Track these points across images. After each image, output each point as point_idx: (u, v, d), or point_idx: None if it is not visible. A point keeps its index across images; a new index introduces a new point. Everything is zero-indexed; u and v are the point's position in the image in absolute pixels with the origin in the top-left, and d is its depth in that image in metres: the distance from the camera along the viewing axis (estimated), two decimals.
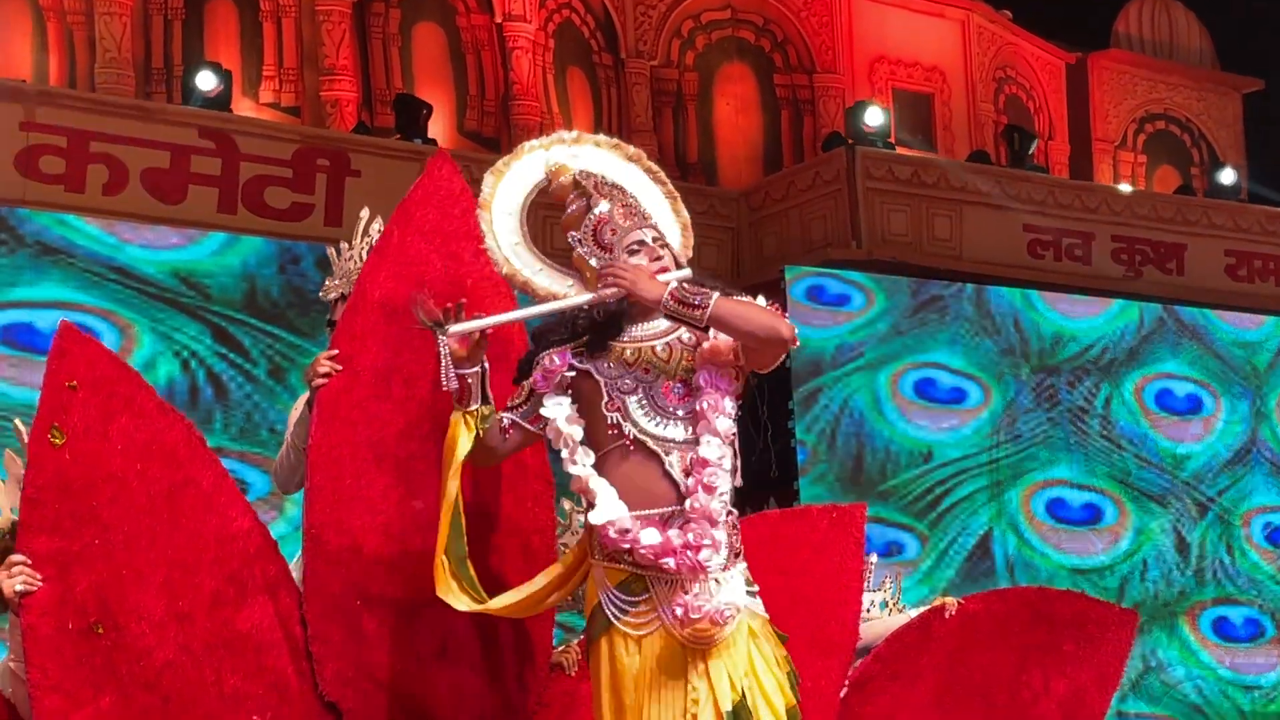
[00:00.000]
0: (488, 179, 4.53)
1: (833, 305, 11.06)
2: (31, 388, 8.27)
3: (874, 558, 6.60)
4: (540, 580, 4.44)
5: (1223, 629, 12.02)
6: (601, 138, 4.62)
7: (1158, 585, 11.77)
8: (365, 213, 5.18)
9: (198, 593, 4.44)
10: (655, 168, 4.64)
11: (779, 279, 10.90)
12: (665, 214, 4.57)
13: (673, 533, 4.16)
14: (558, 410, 4.33)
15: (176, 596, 4.40)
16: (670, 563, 4.15)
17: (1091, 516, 11.66)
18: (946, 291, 11.49)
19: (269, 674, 4.54)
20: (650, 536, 4.18)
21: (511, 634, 4.89)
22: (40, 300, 8.93)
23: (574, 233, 4.40)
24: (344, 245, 5.19)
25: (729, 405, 4.28)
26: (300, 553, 4.75)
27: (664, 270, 4.30)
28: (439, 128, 11.74)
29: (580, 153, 4.57)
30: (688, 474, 4.23)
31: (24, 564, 4.24)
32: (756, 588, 4.30)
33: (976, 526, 11.17)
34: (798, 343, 4.25)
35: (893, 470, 10.99)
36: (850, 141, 12.26)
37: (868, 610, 6.31)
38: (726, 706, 4.12)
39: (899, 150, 12.81)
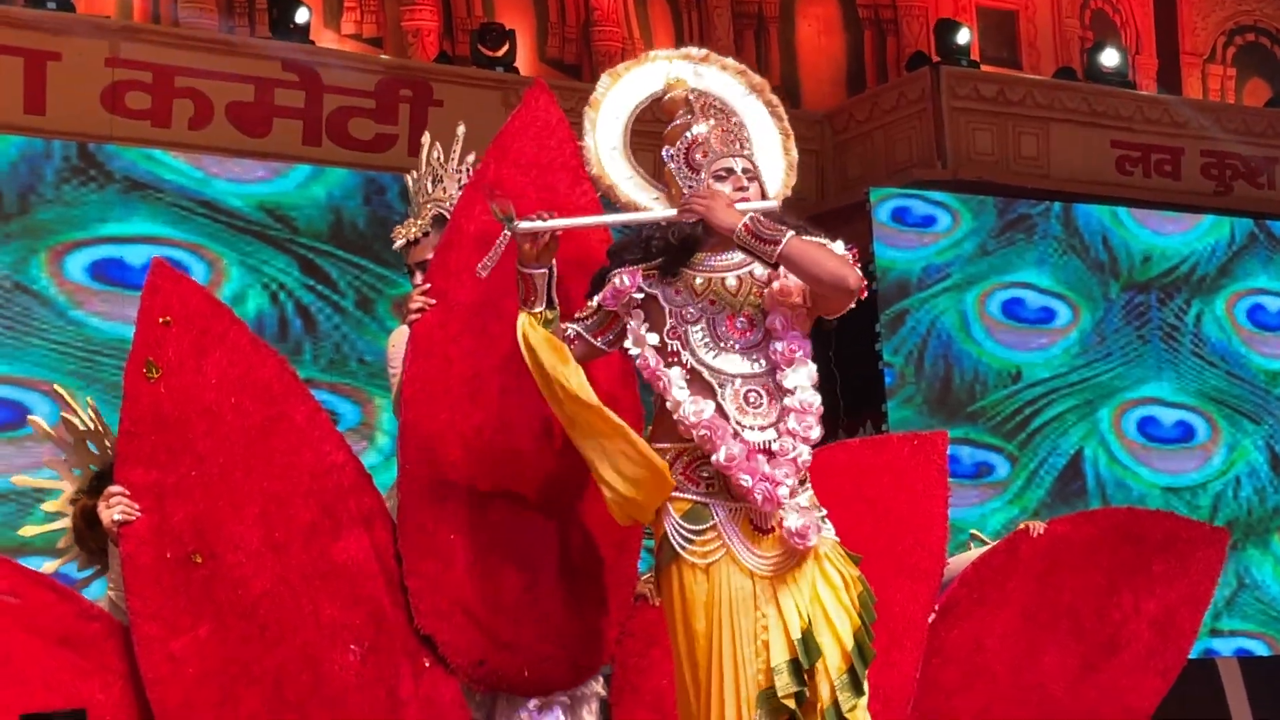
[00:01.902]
0: (604, 79, 4.53)
1: (918, 227, 10.99)
2: (123, 322, 8.40)
3: None
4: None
5: None
6: (730, 61, 4.62)
7: (1250, 502, 11.67)
8: (426, 138, 5.18)
9: (293, 524, 4.50)
10: (775, 102, 4.63)
11: (864, 201, 10.84)
12: (774, 149, 4.55)
13: (761, 458, 4.18)
14: (635, 328, 4.33)
15: (272, 527, 4.46)
16: (747, 481, 4.15)
17: (1183, 434, 11.57)
18: (1034, 210, 11.39)
19: (365, 605, 4.60)
20: (735, 445, 4.18)
21: (598, 566, 4.93)
22: (129, 235, 9.01)
23: (669, 148, 4.40)
24: (413, 175, 5.18)
25: (807, 348, 4.28)
26: (393, 484, 4.80)
27: (744, 200, 4.29)
28: (520, 55, 11.72)
29: (705, 72, 4.57)
30: (740, 409, 4.24)
31: (122, 494, 4.31)
32: (824, 512, 4.31)
33: (1067, 446, 11.11)
34: (865, 294, 4.23)
35: (981, 391, 10.93)
36: (934, 61, 12.15)
37: None
38: (796, 634, 4.14)
39: (984, 68, 12.68)
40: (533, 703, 4.87)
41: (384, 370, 5.30)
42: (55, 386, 4.84)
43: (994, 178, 11.65)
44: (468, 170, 5.07)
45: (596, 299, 4.38)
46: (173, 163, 9.26)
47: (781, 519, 4.20)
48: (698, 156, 4.35)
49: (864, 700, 4.23)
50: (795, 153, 4.60)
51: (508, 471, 4.74)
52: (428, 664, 4.68)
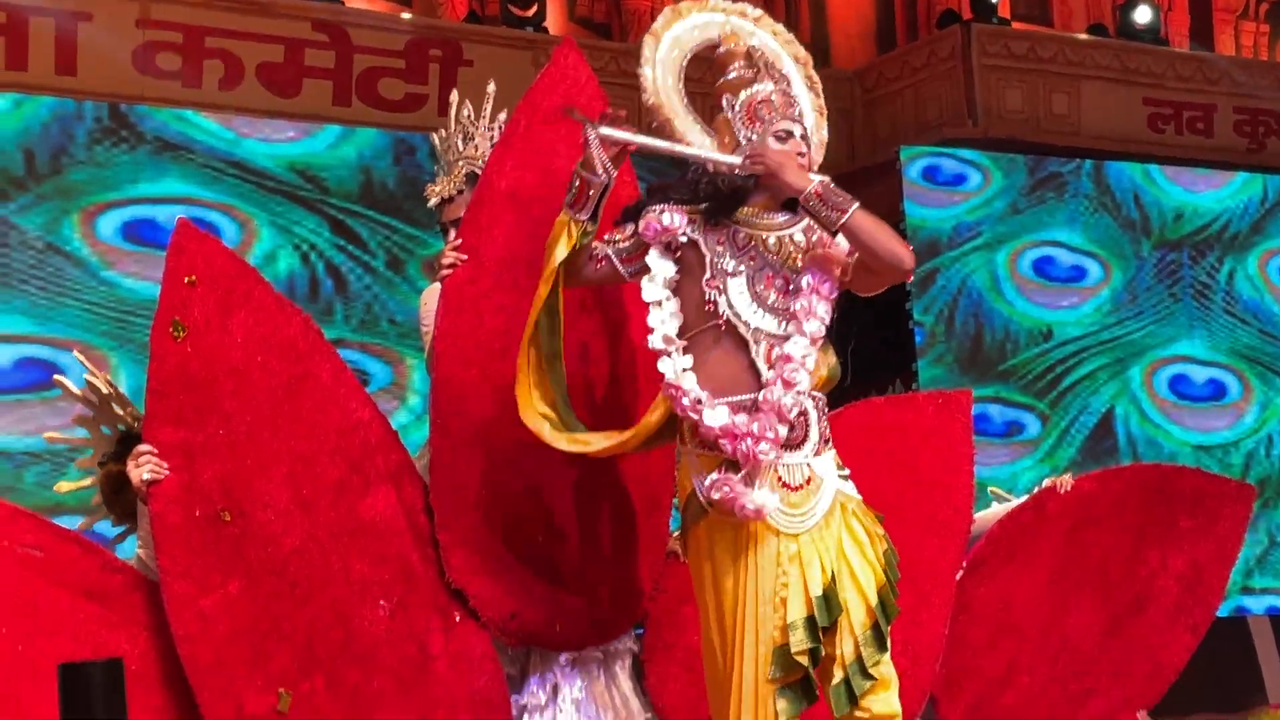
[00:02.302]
0: (666, 13, 4.54)
1: (949, 185, 10.96)
2: (154, 283, 8.34)
3: None
4: (629, 433, 4.47)
5: None
6: (780, 28, 4.66)
7: None
8: (455, 96, 5.20)
9: (321, 481, 4.53)
10: (815, 78, 4.66)
11: (894, 160, 10.81)
12: (810, 123, 4.57)
13: (740, 418, 4.19)
14: (663, 269, 4.34)
15: (300, 485, 4.48)
16: (726, 446, 4.17)
17: (1215, 392, 11.54)
18: (1065, 168, 11.34)
19: (395, 561, 4.63)
20: (717, 415, 4.21)
21: (629, 522, 4.95)
22: (161, 196, 9.04)
23: (730, 97, 4.39)
24: (441, 133, 5.20)
25: (824, 310, 4.28)
26: (425, 442, 4.82)
27: (803, 168, 4.31)
28: (550, 15, 11.70)
29: (758, 33, 4.60)
30: (771, 367, 4.25)
31: (151, 453, 4.34)
32: (848, 471, 4.32)
33: (1098, 405, 11.09)
34: (911, 277, 4.25)
35: (1012, 350, 10.91)
36: (965, 18, 12.09)
37: None
38: (816, 591, 4.15)
39: (1015, 26, 12.62)
40: (564, 657, 4.90)
41: (415, 330, 5.32)
42: (74, 352, 4.85)
43: (1025, 135, 11.60)
44: (499, 128, 5.09)
45: (633, 228, 4.37)
46: (203, 123, 9.29)
47: (809, 478, 4.22)
48: (763, 113, 4.35)
49: (887, 655, 4.25)
50: (826, 131, 4.64)
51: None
52: (458, 619, 4.71)
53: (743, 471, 4.18)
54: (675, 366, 4.26)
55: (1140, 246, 11.44)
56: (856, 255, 4.28)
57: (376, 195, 9.62)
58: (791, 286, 4.29)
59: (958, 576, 5.61)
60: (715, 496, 4.18)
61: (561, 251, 4.34)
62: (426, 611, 4.66)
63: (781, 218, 4.33)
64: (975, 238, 10.91)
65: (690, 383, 4.23)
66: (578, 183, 4.32)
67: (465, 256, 4.78)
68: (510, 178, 4.81)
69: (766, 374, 4.22)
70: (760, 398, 4.19)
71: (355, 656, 4.51)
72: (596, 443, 4.47)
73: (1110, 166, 11.48)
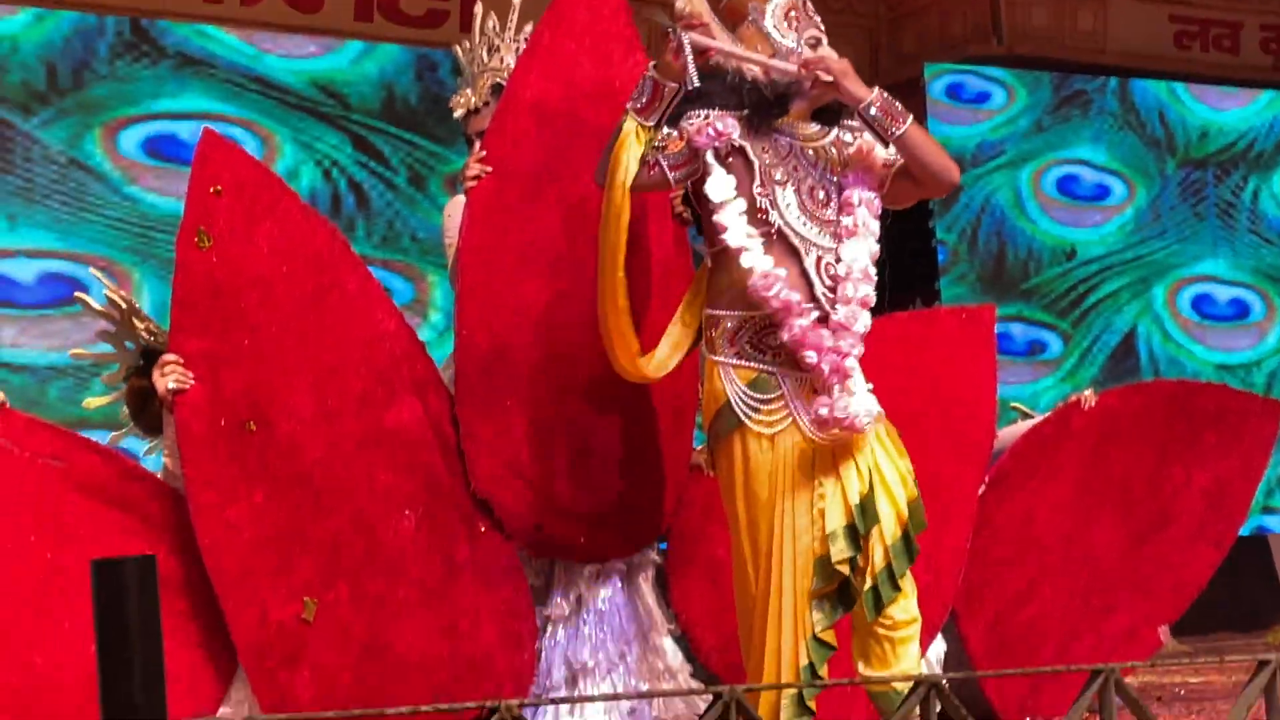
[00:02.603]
0: None
1: (973, 103, 10.90)
2: (176, 198, 8.37)
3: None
4: (665, 344, 4.45)
5: None
6: None
7: None
8: (479, 9, 5.18)
9: (346, 392, 4.55)
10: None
11: (918, 77, 10.75)
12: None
13: (824, 332, 4.19)
14: (724, 176, 4.27)
15: (325, 396, 4.50)
16: (812, 357, 4.17)
17: (1239, 312, 11.50)
18: (1090, 86, 11.26)
19: (420, 471, 4.65)
20: (805, 325, 4.18)
21: (653, 435, 4.97)
22: (183, 111, 9.00)
23: (758, 4, 4.36)
24: (464, 45, 5.19)
25: (875, 224, 4.29)
26: (450, 355, 4.83)
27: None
28: None
29: None
30: (821, 277, 4.25)
31: (176, 363, 4.35)
32: (871, 385, 4.32)
33: (1120, 324, 11.06)
34: (949, 191, 4.26)
35: (1035, 269, 10.88)
36: None
37: None
38: (854, 500, 4.17)
39: None
40: (588, 569, 4.93)
41: (437, 247, 5.32)
42: (92, 269, 4.85)
43: (1050, 53, 11.50)
44: (523, 40, 5.08)
45: (678, 134, 4.30)
46: (225, 38, 9.25)
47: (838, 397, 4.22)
48: (794, 20, 4.35)
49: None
50: None
51: (563, 339, 4.77)
52: (484, 529, 4.74)
53: (833, 387, 4.18)
54: (762, 263, 4.21)
55: (1165, 165, 11.38)
56: (894, 168, 4.29)
57: (398, 111, 9.59)
58: (835, 198, 4.29)
59: (980, 492, 5.62)
60: (822, 414, 4.17)
61: (631, 158, 4.24)
62: (452, 522, 4.68)
63: (815, 128, 4.34)
64: (999, 156, 10.85)
65: (781, 285, 4.20)
66: (649, 88, 4.24)
67: (490, 168, 4.78)
68: (535, 89, 4.81)
69: (818, 284, 4.23)
70: (831, 318, 4.20)
71: (380, 566, 4.54)
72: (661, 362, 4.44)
73: (1135, 84, 11.41)
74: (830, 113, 4.34)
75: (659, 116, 4.26)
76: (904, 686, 4.15)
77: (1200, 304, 11.34)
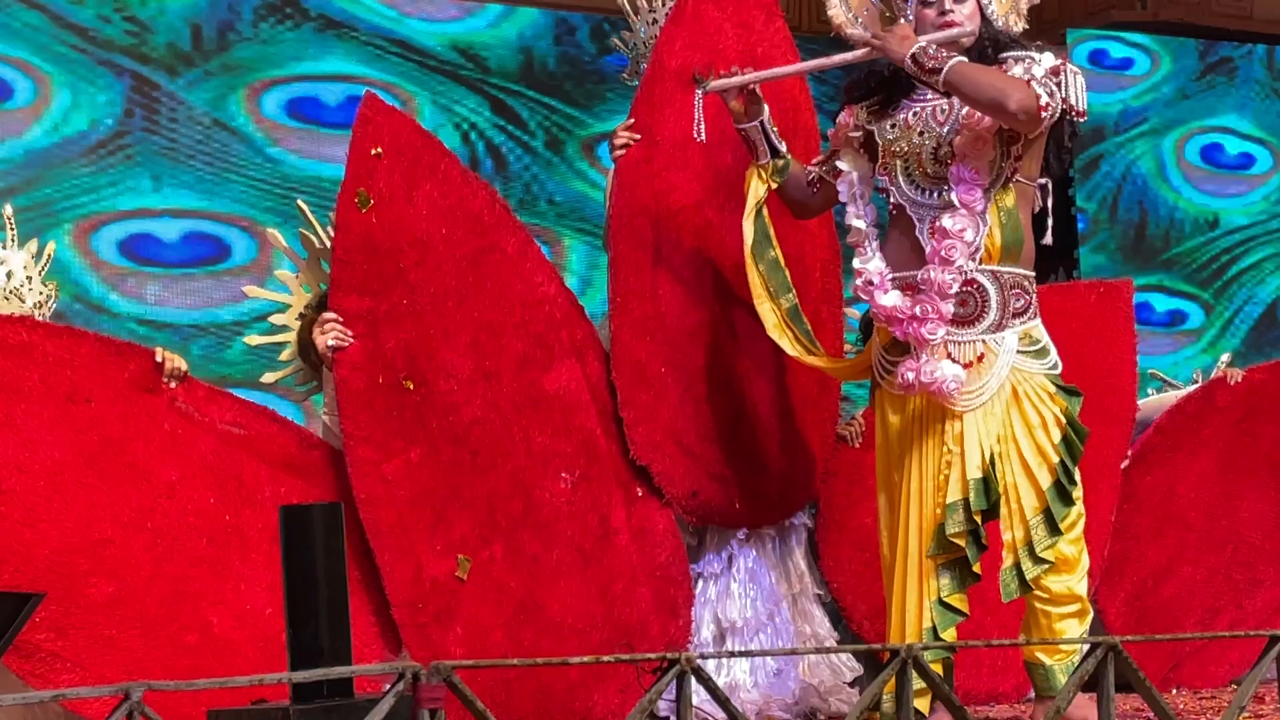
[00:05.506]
0: None
1: (1116, 69, 10.75)
2: (317, 159, 8.51)
3: None
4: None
5: None
6: None
7: None
8: None
9: (504, 353, 4.58)
10: None
11: (1061, 43, 10.62)
12: None
13: (906, 301, 4.19)
14: (855, 165, 4.44)
15: (484, 356, 4.54)
16: (896, 332, 4.25)
17: None
18: (1236, 53, 11.07)
19: (578, 434, 4.68)
20: (889, 298, 4.23)
21: (801, 406, 4.99)
22: (325, 74, 9.08)
23: None
24: (628, 29, 5.22)
25: (974, 176, 4.24)
26: (605, 315, 4.85)
27: (948, 26, 4.27)
28: None
29: None
30: (932, 243, 4.26)
31: (336, 320, 4.40)
32: (1041, 344, 4.29)
33: (1264, 295, 10.88)
34: (1023, 115, 4.15)
35: (1176, 238, 10.73)
36: None
37: None
38: (975, 474, 4.16)
39: None
40: (741, 533, 4.95)
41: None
42: (299, 201, 4.87)
43: (1195, 19, 11.30)
44: (668, 8, 5.11)
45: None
46: (367, 1, 9.31)
47: (981, 354, 4.23)
48: None
49: (1071, 538, 4.26)
50: None
51: (713, 306, 4.80)
52: (641, 494, 4.76)
53: (921, 352, 4.20)
54: (864, 255, 4.37)
55: None
56: None
57: (536, 75, 9.61)
58: (943, 162, 4.29)
59: (1124, 465, 5.59)
60: (898, 381, 4.21)
61: (754, 195, 4.56)
62: (609, 486, 4.71)
63: (930, 93, 4.33)
64: (1141, 123, 10.70)
65: (875, 266, 4.31)
66: (743, 139, 4.55)
67: (638, 136, 4.81)
68: (680, 57, 4.85)
69: (928, 251, 4.23)
70: (919, 276, 4.20)
71: (536, 526, 4.57)
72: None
73: None
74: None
75: (764, 152, 4.54)
76: (1065, 659, 4.15)
77: None
